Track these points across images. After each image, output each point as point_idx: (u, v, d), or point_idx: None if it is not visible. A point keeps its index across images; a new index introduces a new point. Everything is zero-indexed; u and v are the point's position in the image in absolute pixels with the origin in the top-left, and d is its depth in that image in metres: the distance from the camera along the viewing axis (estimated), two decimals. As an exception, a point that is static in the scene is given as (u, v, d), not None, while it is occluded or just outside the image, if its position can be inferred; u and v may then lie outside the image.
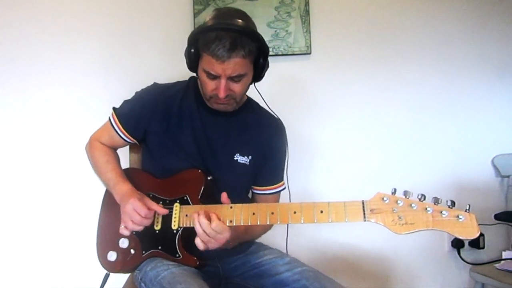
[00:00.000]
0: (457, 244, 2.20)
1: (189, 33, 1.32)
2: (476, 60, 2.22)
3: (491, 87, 2.24)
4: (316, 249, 2.12)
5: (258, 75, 1.38)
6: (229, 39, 1.22)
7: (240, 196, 1.46)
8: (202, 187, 1.35)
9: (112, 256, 1.39)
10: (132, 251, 1.38)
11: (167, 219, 1.33)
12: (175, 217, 1.32)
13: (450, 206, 1.04)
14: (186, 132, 1.41)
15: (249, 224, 1.23)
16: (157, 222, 1.35)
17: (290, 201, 1.54)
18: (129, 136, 1.46)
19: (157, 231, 1.35)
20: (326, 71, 2.14)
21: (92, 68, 2.02)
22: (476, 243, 2.20)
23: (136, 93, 1.48)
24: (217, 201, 1.28)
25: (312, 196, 2.04)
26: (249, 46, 1.26)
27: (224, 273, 1.42)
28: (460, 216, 1.03)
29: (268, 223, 1.21)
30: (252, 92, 1.49)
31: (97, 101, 2.00)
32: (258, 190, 1.51)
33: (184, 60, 1.37)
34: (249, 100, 1.51)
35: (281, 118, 1.53)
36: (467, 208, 1.04)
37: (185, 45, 1.34)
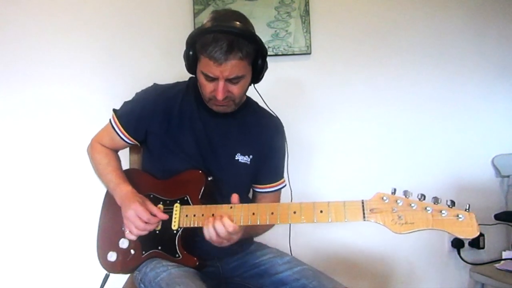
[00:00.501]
0: (457, 244, 2.20)
1: (189, 34, 1.32)
2: (476, 60, 2.22)
3: (491, 87, 2.24)
4: (316, 248, 2.12)
5: (256, 77, 1.37)
6: (226, 41, 1.22)
7: (241, 196, 1.44)
8: (203, 188, 1.35)
9: (112, 256, 1.39)
10: (132, 252, 1.38)
11: (167, 219, 1.33)
12: (175, 218, 1.33)
13: (450, 206, 1.04)
14: (186, 133, 1.41)
15: (249, 224, 1.23)
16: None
17: (292, 200, 1.54)
18: (130, 138, 1.46)
19: (157, 232, 1.35)
20: (326, 71, 2.14)
21: (92, 68, 2.02)
22: (476, 243, 2.20)
23: (136, 94, 1.48)
24: (217, 201, 1.29)
25: (312, 196, 2.03)
26: (247, 48, 1.25)
27: (224, 273, 1.42)
28: (460, 216, 1.03)
29: (268, 223, 1.21)
30: (252, 92, 1.49)
31: (97, 101, 2.00)
32: (259, 188, 1.51)
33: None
34: (249, 100, 1.51)
35: (280, 118, 1.53)
36: (467, 207, 1.04)
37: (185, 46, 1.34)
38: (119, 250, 1.39)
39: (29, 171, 2.00)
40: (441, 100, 2.20)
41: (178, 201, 1.35)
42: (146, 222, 1.29)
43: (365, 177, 2.13)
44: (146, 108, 1.42)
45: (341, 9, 2.14)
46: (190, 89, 1.46)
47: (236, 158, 1.43)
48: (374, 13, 2.15)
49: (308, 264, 1.39)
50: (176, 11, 2.04)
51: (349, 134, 2.16)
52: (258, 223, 1.22)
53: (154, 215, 1.31)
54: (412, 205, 1.06)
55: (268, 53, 1.39)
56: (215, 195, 1.32)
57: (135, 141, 1.48)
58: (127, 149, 1.59)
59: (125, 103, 1.48)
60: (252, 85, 1.43)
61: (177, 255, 1.32)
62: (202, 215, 1.27)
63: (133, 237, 1.33)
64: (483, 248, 2.21)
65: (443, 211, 1.04)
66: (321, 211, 1.15)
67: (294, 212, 1.18)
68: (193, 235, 1.32)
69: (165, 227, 1.34)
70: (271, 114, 1.53)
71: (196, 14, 2.01)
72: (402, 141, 2.19)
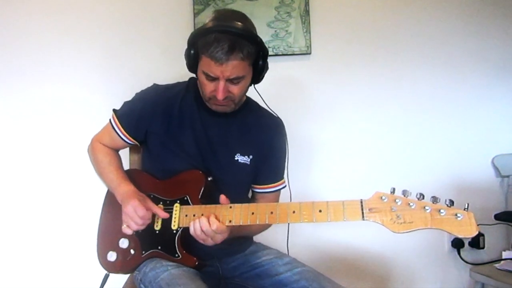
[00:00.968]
0: (457, 244, 2.20)
1: (189, 33, 1.32)
2: (476, 60, 2.22)
3: (491, 87, 2.24)
4: (316, 249, 2.11)
5: (257, 77, 1.37)
6: (227, 41, 1.22)
7: (241, 196, 1.47)
8: (202, 188, 1.35)
9: (112, 256, 1.39)
10: (132, 251, 1.38)
11: (167, 219, 1.34)
12: (175, 217, 1.33)
13: (449, 205, 1.04)
14: (186, 133, 1.41)
15: (249, 224, 1.24)
16: (157, 222, 1.36)
17: (291, 200, 1.54)
18: (130, 138, 1.46)
19: (157, 231, 1.35)
20: (326, 71, 2.14)
21: (92, 68, 2.02)
22: (476, 243, 2.19)
23: (136, 94, 1.48)
24: (217, 201, 1.29)
25: (311, 195, 2.02)
26: (248, 49, 1.26)
27: (224, 273, 1.42)
28: (459, 215, 1.03)
29: (267, 222, 1.21)
30: (252, 92, 1.49)
31: (97, 101, 2.00)
32: (259, 188, 1.51)
33: (184, 61, 1.37)
34: (249, 100, 1.51)
35: (280, 118, 1.53)
36: (466, 206, 1.04)
37: (185, 45, 1.34)
38: (119, 250, 1.39)
39: (29, 171, 2.00)
40: (441, 99, 2.20)
41: (178, 201, 1.35)
42: (143, 218, 1.30)
43: (365, 177, 2.13)
44: (146, 108, 1.42)
45: (341, 9, 2.14)
46: (190, 89, 1.46)
47: (236, 158, 1.43)
48: (374, 13, 2.15)
49: (307, 265, 1.39)
50: (176, 11, 2.04)
51: (348, 133, 2.16)
52: (257, 223, 1.22)
53: (155, 213, 1.32)
54: (411, 204, 1.06)
55: (268, 53, 1.39)
56: (215, 195, 1.32)
57: (135, 141, 1.48)
58: (127, 149, 1.59)
59: (125, 103, 1.48)
60: (252, 85, 1.43)
61: (176, 255, 1.32)
62: (202, 215, 1.27)
63: (130, 232, 1.33)
64: (483, 248, 2.21)
65: (441, 210, 1.04)
66: (320, 211, 1.15)
67: (293, 212, 1.18)
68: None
69: (165, 227, 1.34)
70: (271, 114, 1.53)
71: (196, 14, 2.01)
72: (402, 141, 2.18)
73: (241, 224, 1.24)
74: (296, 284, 1.31)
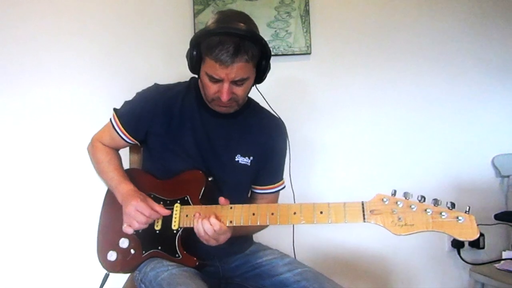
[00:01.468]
0: (457, 244, 2.20)
1: (190, 33, 1.32)
2: (476, 60, 2.22)
3: (491, 87, 2.24)
4: (316, 249, 2.12)
5: (260, 77, 1.37)
6: (232, 44, 1.21)
7: (241, 196, 1.47)
8: (203, 188, 1.35)
9: (112, 256, 1.39)
10: (132, 251, 1.38)
11: (167, 219, 1.34)
12: (175, 217, 1.33)
13: (450, 208, 1.04)
14: (187, 133, 1.41)
15: (249, 224, 1.24)
16: (157, 222, 1.36)
17: (294, 202, 1.53)
18: (130, 137, 1.45)
19: (157, 231, 1.35)
20: (326, 71, 2.14)
21: (92, 68, 2.02)
22: (476, 243, 2.19)
23: (137, 93, 1.47)
24: (217, 201, 1.29)
25: (312, 197, 2.04)
26: (252, 50, 1.25)
27: (224, 273, 1.42)
28: (460, 218, 1.03)
29: (268, 223, 1.22)
30: (253, 92, 1.49)
31: (98, 101, 2.00)
32: (258, 189, 1.51)
33: (185, 61, 1.36)
34: (250, 100, 1.51)
35: (281, 119, 1.53)
36: (467, 209, 1.04)
37: (186, 45, 1.33)
38: (119, 250, 1.39)
39: (29, 171, 2.00)
40: (441, 100, 2.20)
41: (179, 201, 1.35)
42: (147, 216, 1.30)
43: (366, 178, 2.13)
44: (147, 108, 1.42)
45: (341, 9, 2.13)
46: (191, 89, 1.45)
47: (236, 159, 1.42)
48: (374, 13, 2.15)
49: (309, 266, 1.39)
50: (176, 11, 2.04)
51: (349, 134, 2.16)
52: (258, 224, 1.22)
53: (156, 211, 1.32)
54: (412, 206, 1.07)
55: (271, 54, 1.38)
56: (215, 196, 1.32)
57: (135, 141, 1.47)
58: (127, 149, 1.59)
59: (126, 103, 1.47)
60: (254, 85, 1.43)
61: (177, 255, 1.32)
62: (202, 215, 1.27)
63: (130, 231, 1.33)
64: (483, 248, 2.21)
65: (443, 213, 1.04)
66: (321, 212, 1.15)
67: (294, 213, 1.19)
68: (193, 235, 1.32)
69: (165, 227, 1.34)
70: (272, 114, 1.52)
71: (196, 14, 2.01)
72: (402, 142, 2.18)
73: (241, 224, 1.24)
74: (297, 285, 1.31)
